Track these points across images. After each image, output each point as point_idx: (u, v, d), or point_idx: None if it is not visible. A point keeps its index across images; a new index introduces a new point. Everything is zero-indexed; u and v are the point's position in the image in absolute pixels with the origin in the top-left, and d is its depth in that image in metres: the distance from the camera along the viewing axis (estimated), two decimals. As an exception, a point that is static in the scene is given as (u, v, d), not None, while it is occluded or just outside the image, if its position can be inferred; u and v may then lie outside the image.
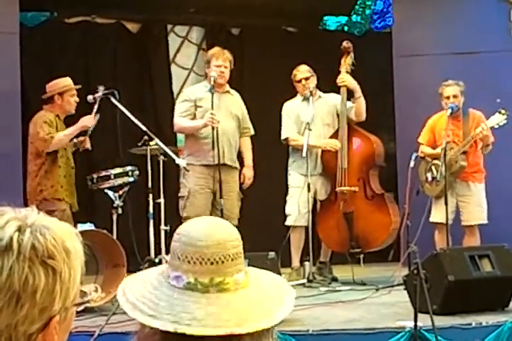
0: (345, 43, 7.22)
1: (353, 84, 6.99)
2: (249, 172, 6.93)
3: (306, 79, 7.05)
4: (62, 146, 6.12)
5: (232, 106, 6.81)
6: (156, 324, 1.34)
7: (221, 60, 6.63)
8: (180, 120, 6.65)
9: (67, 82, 6.29)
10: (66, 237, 1.15)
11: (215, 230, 1.41)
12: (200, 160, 6.56)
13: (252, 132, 7.00)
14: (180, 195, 6.65)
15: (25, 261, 1.09)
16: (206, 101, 6.54)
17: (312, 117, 6.86)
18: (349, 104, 7.06)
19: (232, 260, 1.39)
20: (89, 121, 6.13)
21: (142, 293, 1.39)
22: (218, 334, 1.32)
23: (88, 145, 6.33)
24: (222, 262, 1.38)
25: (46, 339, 1.13)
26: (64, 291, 1.12)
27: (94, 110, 6.16)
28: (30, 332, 1.11)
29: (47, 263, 1.11)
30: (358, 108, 7.01)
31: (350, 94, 7.06)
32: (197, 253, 1.38)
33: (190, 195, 6.55)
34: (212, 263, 1.37)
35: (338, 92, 7.08)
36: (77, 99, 6.27)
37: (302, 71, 7.10)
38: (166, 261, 1.45)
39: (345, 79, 7.00)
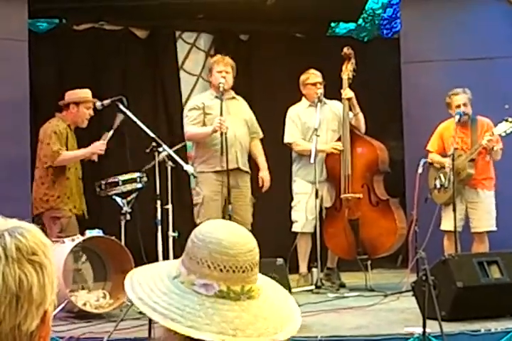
0: (346, 49, 7.21)
1: (353, 101, 7.00)
2: (267, 175, 6.91)
3: (320, 83, 7.06)
4: (66, 164, 6.16)
5: (240, 111, 6.84)
6: (198, 334, 1.32)
7: (222, 65, 6.65)
8: (191, 128, 6.70)
9: (86, 94, 6.32)
10: (38, 232, 1.19)
11: (243, 238, 1.42)
12: (213, 166, 6.58)
13: (261, 135, 7.02)
14: (194, 202, 6.73)
15: (14, 263, 1.12)
16: (215, 109, 6.58)
17: (319, 123, 6.87)
18: (351, 114, 7.07)
19: (256, 267, 1.41)
20: (100, 147, 6.18)
21: (164, 299, 1.37)
22: None
23: (94, 158, 6.41)
24: (251, 269, 1.40)
25: (43, 332, 1.16)
26: (51, 283, 1.17)
27: (107, 137, 6.20)
28: (31, 329, 1.14)
29: (33, 260, 1.14)
30: (357, 124, 7.06)
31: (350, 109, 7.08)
32: (230, 261, 1.38)
33: (204, 201, 6.59)
34: (244, 271, 1.39)
35: (340, 100, 7.10)
36: (92, 113, 6.30)
37: (317, 75, 7.11)
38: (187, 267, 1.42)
39: (349, 94, 7.00)
